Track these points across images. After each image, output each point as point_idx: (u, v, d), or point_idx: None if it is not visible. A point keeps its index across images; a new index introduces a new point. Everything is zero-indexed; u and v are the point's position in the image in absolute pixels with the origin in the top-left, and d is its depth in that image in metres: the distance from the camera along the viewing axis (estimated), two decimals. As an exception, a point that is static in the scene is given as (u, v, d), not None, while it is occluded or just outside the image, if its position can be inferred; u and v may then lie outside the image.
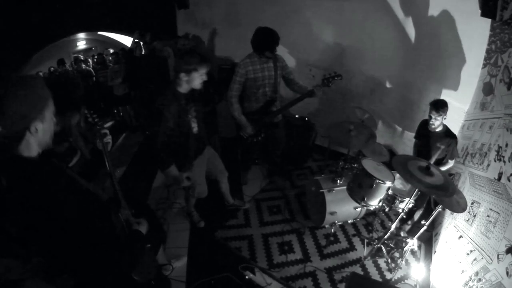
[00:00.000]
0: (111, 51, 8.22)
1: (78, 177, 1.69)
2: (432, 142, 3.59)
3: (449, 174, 3.83)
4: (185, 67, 2.85)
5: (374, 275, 3.55)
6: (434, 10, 4.00)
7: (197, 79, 2.94)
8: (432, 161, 3.49)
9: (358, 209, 3.83)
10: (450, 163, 3.62)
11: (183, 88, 2.97)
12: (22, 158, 1.41)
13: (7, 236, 1.38)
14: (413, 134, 4.06)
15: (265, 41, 3.69)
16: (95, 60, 8.22)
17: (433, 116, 3.44)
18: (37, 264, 1.55)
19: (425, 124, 3.70)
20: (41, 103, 1.41)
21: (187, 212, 4.09)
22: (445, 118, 3.48)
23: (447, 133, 3.57)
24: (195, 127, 3.21)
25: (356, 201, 3.52)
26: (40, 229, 1.37)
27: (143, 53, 6.56)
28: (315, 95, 3.80)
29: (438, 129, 3.55)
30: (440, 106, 3.40)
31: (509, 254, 2.22)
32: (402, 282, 3.47)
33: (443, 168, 3.55)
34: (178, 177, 3.16)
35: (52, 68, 8.17)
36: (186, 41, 6.82)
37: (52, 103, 1.49)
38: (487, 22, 3.54)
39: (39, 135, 1.43)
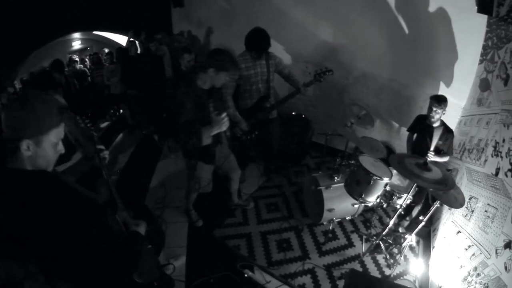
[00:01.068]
0: (106, 50, 8.19)
1: (74, 183, 1.68)
2: (429, 136, 3.62)
3: (447, 169, 3.84)
4: (218, 64, 2.85)
5: (373, 271, 3.56)
6: (430, 6, 4.00)
7: (222, 79, 2.95)
8: (431, 150, 3.53)
9: (356, 206, 3.84)
10: (447, 158, 3.64)
11: (206, 84, 2.97)
12: (12, 170, 1.41)
13: (6, 238, 1.37)
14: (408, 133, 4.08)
15: (256, 42, 3.77)
16: (91, 59, 8.18)
17: (434, 109, 3.48)
18: (36, 267, 1.53)
19: (422, 119, 3.72)
20: (39, 125, 1.40)
21: (186, 210, 4.08)
22: (444, 113, 3.50)
23: (444, 127, 3.59)
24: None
25: (354, 198, 3.53)
26: (36, 238, 1.36)
27: (138, 52, 6.54)
28: (302, 93, 3.95)
29: (436, 124, 3.58)
30: (441, 100, 3.46)
31: (508, 249, 2.23)
32: (401, 278, 3.48)
33: (440, 160, 3.57)
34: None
35: (46, 69, 8.12)
36: (182, 38, 6.81)
37: (57, 133, 1.47)
38: (484, 18, 3.55)
39: (31, 155, 1.40)
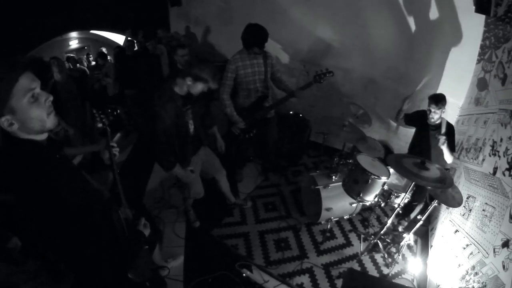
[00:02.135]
0: (104, 49, 8.16)
1: (83, 172, 1.69)
2: (431, 134, 3.61)
3: (445, 168, 3.84)
4: (197, 74, 2.84)
5: (371, 270, 3.57)
6: (428, 6, 4.00)
7: (199, 88, 2.93)
8: (432, 153, 3.52)
9: (354, 205, 3.84)
10: (454, 154, 3.61)
11: (182, 90, 2.94)
12: (27, 141, 1.38)
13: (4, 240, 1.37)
14: (408, 129, 4.08)
15: (253, 37, 3.73)
16: (90, 59, 8.16)
17: (432, 110, 3.45)
18: (34, 269, 1.53)
19: (423, 115, 3.69)
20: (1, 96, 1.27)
21: (184, 210, 4.08)
22: (443, 112, 3.49)
23: (445, 124, 3.58)
24: (191, 128, 3.20)
25: (352, 197, 3.52)
26: (39, 214, 1.34)
27: (136, 51, 6.52)
28: (296, 96, 3.92)
29: (437, 122, 3.56)
30: (439, 100, 3.41)
31: (505, 248, 2.23)
32: (399, 277, 3.49)
33: (449, 157, 3.52)
34: (183, 175, 3.19)
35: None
36: (181, 37, 6.80)
37: (21, 88, 1.30)
38: (482, 18, 3.56)
39: (18, 127, 1.32)
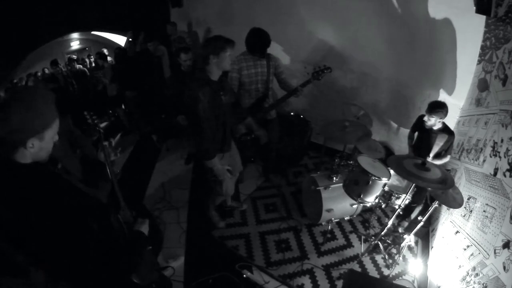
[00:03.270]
0: (105, 50, 8.17)
1: (76, 181, 1.67)
2: (430, 138, 3.62)
3: (446, 169, 3.84)
4: (213, 48, 2.82)
5: (372, 271, 3.56)
6: (429, 7, 4.00)
7: (226, 59, 2.90)
8: (431, 156, 3.52)
9: (355, 206, 3.84)
10: (447, 158, 3.64)
11: (214, 75, 2.94)
12: (15, 163, 1.40)
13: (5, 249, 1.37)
14: (409, 130, 4.08)
15: (255, 43, 3.77)
16: (91, 60, 8.17)
17: (426, 115, 3.48)
18: (36, 281, 1.53)
19: (423, 119, 3.71)
20: (43, 122, 1.40)
21: (209, 215, 4.09)
22: (439, 120, 3.48)
23: (445, 130, 3.58)
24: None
25: (353, 198, 3.52)
26: (36, 233, 1.35)
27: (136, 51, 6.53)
28: (298, 93, 3.90)
29: (436, 127, 3.56)
30: (433, 108, 3.43)
31: (506, 249, 2.23)
32: (400, 278, 3.48)
33: (440, 162, 3.57)
34: (219, 168, 3.19)
35: (45, 69, 8.10)
36: (187, 38, 6.81)
37: (57, 124, 1.48)
38: (482, 18, 3.55)
39: (34, 151, 1.41)
